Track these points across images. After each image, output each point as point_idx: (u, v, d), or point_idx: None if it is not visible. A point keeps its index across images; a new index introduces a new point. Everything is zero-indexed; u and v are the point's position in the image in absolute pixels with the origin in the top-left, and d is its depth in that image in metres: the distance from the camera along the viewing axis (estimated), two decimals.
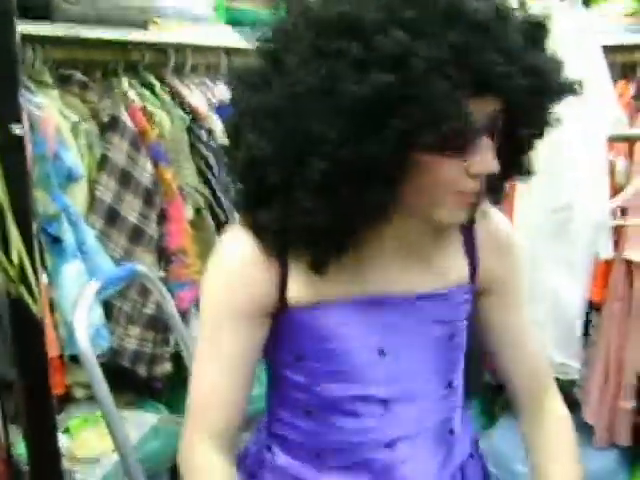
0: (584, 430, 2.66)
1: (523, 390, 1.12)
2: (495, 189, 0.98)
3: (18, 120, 1.55)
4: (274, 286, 0.96)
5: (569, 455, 1.09)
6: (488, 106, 0.84)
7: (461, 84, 0.78)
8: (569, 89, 0.90)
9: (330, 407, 1.01)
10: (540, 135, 0.94)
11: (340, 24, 0.80)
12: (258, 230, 0.94)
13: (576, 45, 1.94)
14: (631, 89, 2.67)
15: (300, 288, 0.96)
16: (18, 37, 1.58)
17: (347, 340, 0.98)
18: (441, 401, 1.06)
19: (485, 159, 0.85)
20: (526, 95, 0.82)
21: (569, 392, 2.30)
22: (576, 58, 1.94)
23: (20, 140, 1.56)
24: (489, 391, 2.84)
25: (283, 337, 1.00)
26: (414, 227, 0.98)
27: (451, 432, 1.08)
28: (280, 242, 0.94)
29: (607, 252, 2.12)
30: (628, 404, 2.52)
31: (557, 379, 2.17)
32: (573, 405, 2.45)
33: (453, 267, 1.03)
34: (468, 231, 1.04)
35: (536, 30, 0.87)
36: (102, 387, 1.66)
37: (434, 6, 0.79)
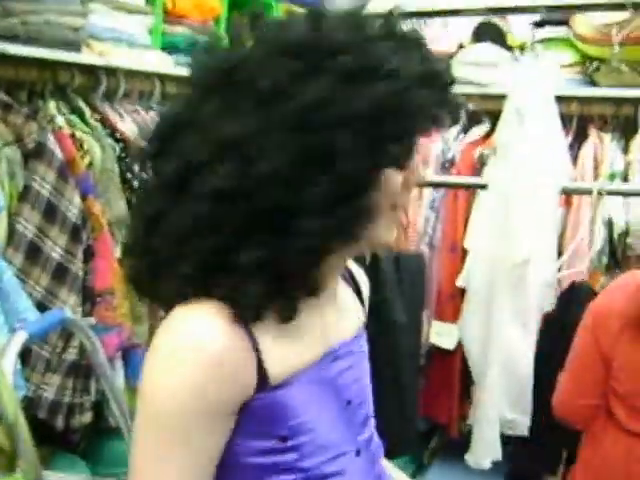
0: None
1: None
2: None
3: None
4: (254, 368, 0.84)
5: None
6: None
7: (435, 102, 0.86)
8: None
9: (316, 476, 0.92)
10: None
11: (321, 44, 0.83)
12: (226, 298, 0.83)
13: (536, 97, 1.92)
14: (569, 139, 2.72)
15: (275, 362, 0.86)
16: None
17: (325, 403, 0.94)
18: (374, 441, 1.06)
19: (420, 170, 0.92)
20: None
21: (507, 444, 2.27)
22: (535, 110, 1.92)
23: None
24: (418, 439, 2.79)
25: (259, 422, 0.87)
26: (334, 274, 0.98)
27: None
28: (252, 307, 0.84)
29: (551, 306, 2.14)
30: None
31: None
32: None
33: (357, 311, 1.08)
34: (351, 279, 1.10)
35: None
36: (29, 448, 1.48)
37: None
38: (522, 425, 1.98)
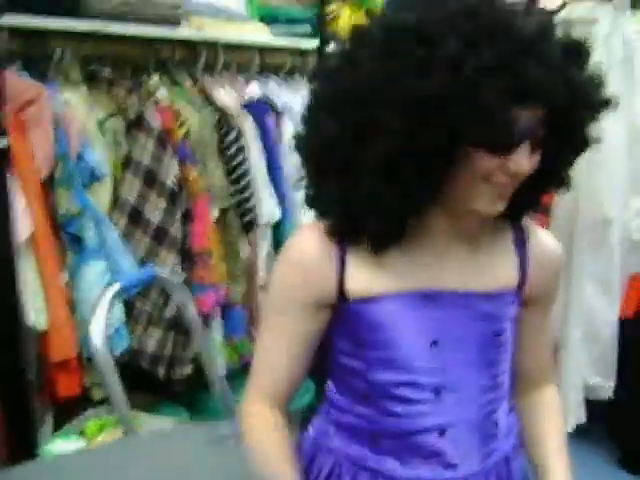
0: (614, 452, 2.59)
1: (528, 376, 1.24)
2: (533, 199, 1.10)
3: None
4: (334, 281, 1.06)
5: (556, 417, 1.25)
6: (530, 114, 0.93)
7: (506, 91, 0.88)
8: (605, 105, 0.99)
9: (384, 393, 1.08)
10: (579, 151, 1.04)
11: (408, 31, 0.92)
12: (322, 216, 1.06)
13: (621, 50, 1.85)
14: None
15: (357, 282, 1.06)
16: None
17: (401, 331, 1.06)
18: (486, 393, 1.12)
19: (521, 161, 0.95)
20: (566, 106, 0.93)
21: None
22: (620, 63, 1.85)
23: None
24: None
25: (342, 326, 1.10)
26: (468, 227, 1.07)
27: (495, 424, 1.14)
28: (341, 227, 1.04)
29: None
30: None
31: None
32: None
33: (503, 271, 1.12)
34: (521, 243, 1.14)
35: (576, 50, 0.97)
36: (117, 392, 1.64)
37: (487, 21, 0.91)
38: (605, 390, 1.93)
